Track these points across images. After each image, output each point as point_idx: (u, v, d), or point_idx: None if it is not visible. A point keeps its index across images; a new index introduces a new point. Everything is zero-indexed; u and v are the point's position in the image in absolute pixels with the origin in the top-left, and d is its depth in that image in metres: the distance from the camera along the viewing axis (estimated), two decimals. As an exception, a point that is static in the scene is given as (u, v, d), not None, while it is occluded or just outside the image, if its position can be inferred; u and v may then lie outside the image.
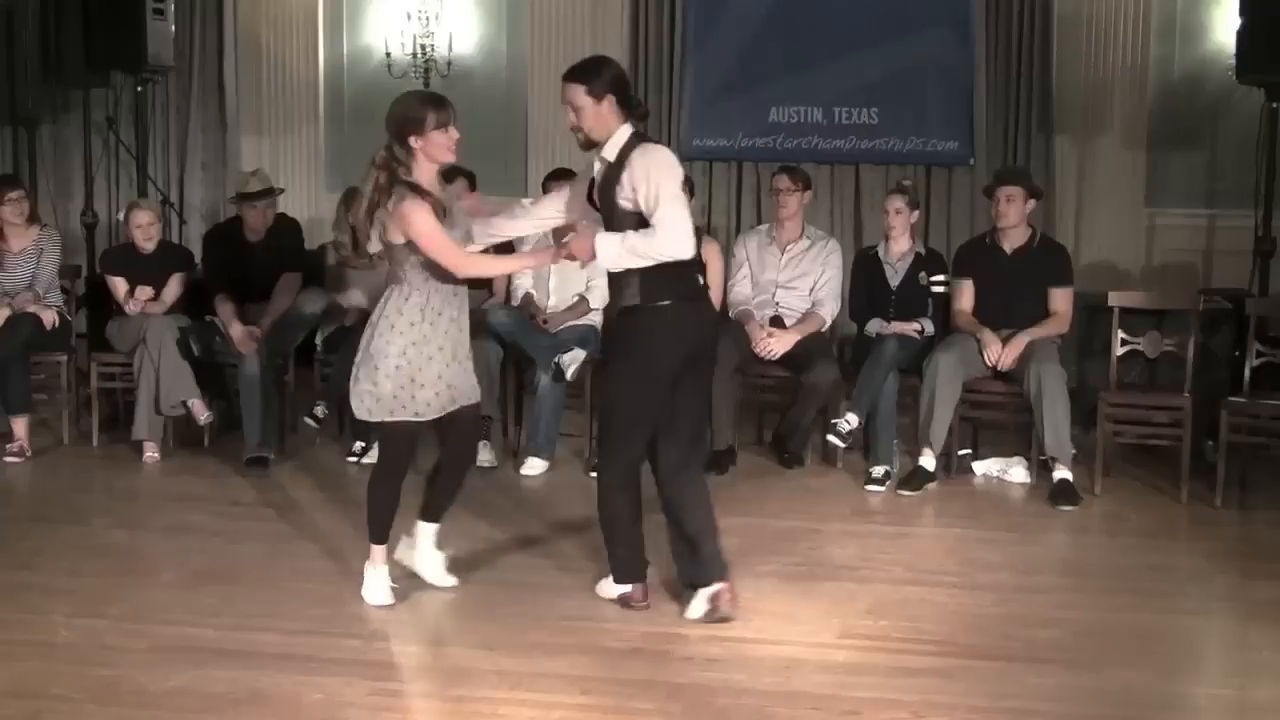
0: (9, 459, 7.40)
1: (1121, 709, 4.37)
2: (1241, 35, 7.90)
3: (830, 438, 7.14)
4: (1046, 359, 6.90)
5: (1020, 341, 7.02)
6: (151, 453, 7.48)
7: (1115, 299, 7.35)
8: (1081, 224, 9.47)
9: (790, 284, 7.56)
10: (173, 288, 7.82)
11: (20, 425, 7.52)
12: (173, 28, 9.32)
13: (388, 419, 5.08)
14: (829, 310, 7.55)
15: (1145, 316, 7.46)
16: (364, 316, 7.54)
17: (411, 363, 5.02)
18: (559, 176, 7.31)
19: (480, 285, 7.58)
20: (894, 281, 7.49)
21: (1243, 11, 7.89)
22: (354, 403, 5.15)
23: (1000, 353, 7.02)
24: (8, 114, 9.82)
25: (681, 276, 4.90)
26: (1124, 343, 7.27)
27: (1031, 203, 7.28)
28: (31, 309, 7.60)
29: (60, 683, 4.42)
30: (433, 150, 4.99)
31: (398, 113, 5.00)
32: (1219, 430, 6.84)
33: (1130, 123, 9.39)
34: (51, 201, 9.96)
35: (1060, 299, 7.20)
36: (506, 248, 6.23)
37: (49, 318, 7.62)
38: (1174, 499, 6.89)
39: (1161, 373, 7.51)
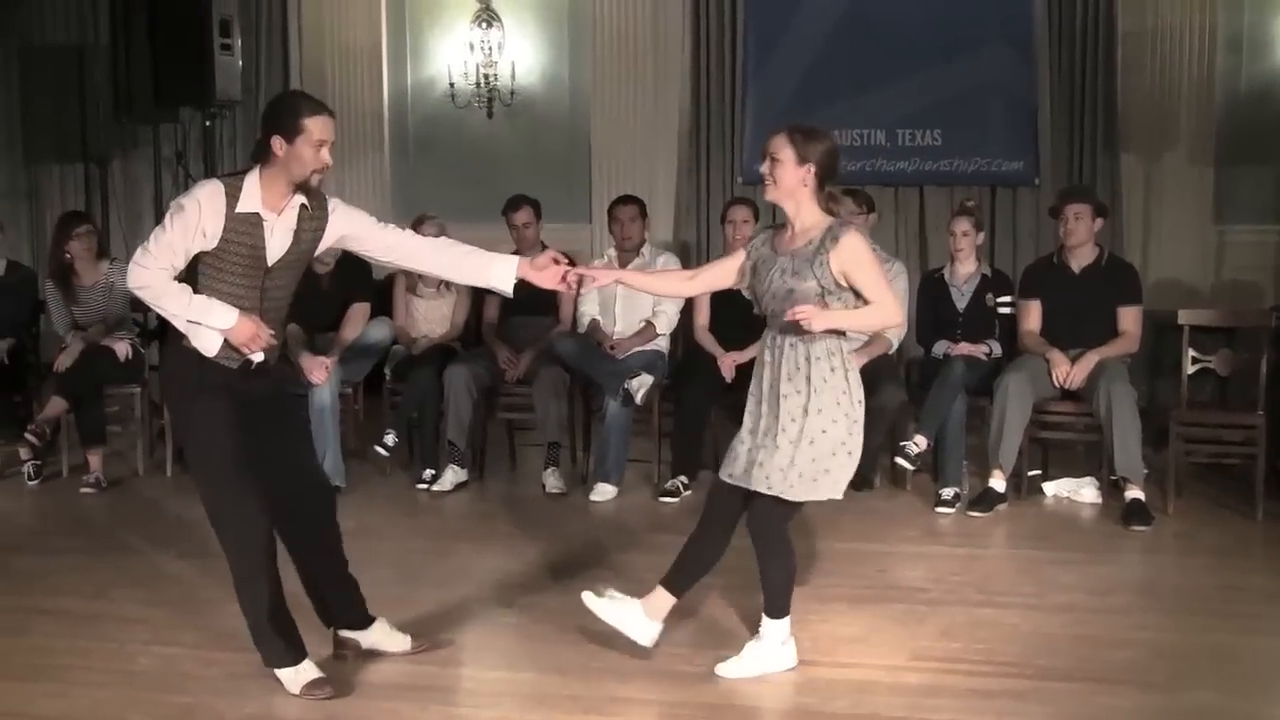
0: (85, 490, 7.52)
1: (1199, 730, 4.33)
2: (1310, 47, 7.83)
3: (898, 460, 7.12)
4: (1116, 378, 6.84)
5: (1089, 361, 6.96)
6: (224, 482, 7.53)
7: (1185, 317, 7.30)
8: (1149, 242, 9.39)
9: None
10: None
11: (95, 457, 7.63)
12: (240, 63, 9.43)
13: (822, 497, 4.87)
14: (895, 333, 7.52)
15: (1216, 334, 7.41)
16: (432, 346, 7.66)
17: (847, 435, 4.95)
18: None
19: (545, 311, 7.62)
20: (960, 304, 7.46)
21: (1311, 24, 7.82)
22: (793, 484, 4.83)
23: (1069, 372, 6.98)
24: (80, 151, 10.00)
25: None
26: (1195, 361, 7.22)
27: (1099, 221, 7.24)
28: (104, 342, 7.72)
29: (139, 709, 4.47)
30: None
31: (824, 145, 4.88)
32: (1293, 448, 6.78)
33: (1197, 138, 9.31)
34: (124, 237, 10.09)
35: (1129, 318, 7.14)
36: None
37: (122, 350, 7.74)
38: (1248, 518, 6.82)
39: (1233, 391, 7.45)
